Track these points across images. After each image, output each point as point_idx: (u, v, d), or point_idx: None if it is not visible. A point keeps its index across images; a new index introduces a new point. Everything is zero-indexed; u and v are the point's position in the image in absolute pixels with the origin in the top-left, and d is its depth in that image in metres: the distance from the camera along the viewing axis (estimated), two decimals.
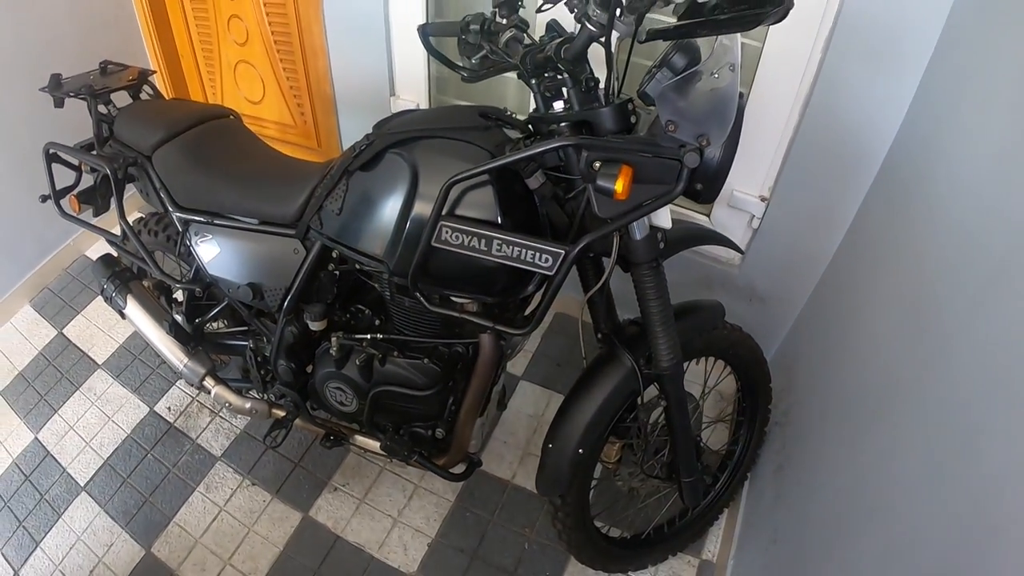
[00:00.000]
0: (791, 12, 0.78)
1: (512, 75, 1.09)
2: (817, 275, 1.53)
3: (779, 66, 1.35)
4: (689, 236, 1.20)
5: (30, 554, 1.54)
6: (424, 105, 1.84)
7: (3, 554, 1.55)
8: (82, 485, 1.65)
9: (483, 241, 0.93)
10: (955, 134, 1.05)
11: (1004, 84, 0.92)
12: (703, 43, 0.91)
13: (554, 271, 0.92)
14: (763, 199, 1.53)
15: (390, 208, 1.03)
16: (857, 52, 1.24)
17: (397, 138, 1.03)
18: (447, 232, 0.94)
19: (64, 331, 2.02)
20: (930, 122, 1.16)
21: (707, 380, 1.41)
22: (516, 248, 0.92)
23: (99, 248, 2.29)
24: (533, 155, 0.89)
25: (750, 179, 1.52)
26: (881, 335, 1.12)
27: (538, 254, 0.92)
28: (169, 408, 1.80)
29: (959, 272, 0.88)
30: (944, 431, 0.78)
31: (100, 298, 2.07)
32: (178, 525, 1.56)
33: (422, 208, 0.99)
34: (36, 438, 1.76)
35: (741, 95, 0.93)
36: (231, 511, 1.58)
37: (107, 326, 2.02)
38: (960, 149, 1.01)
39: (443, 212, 0.93)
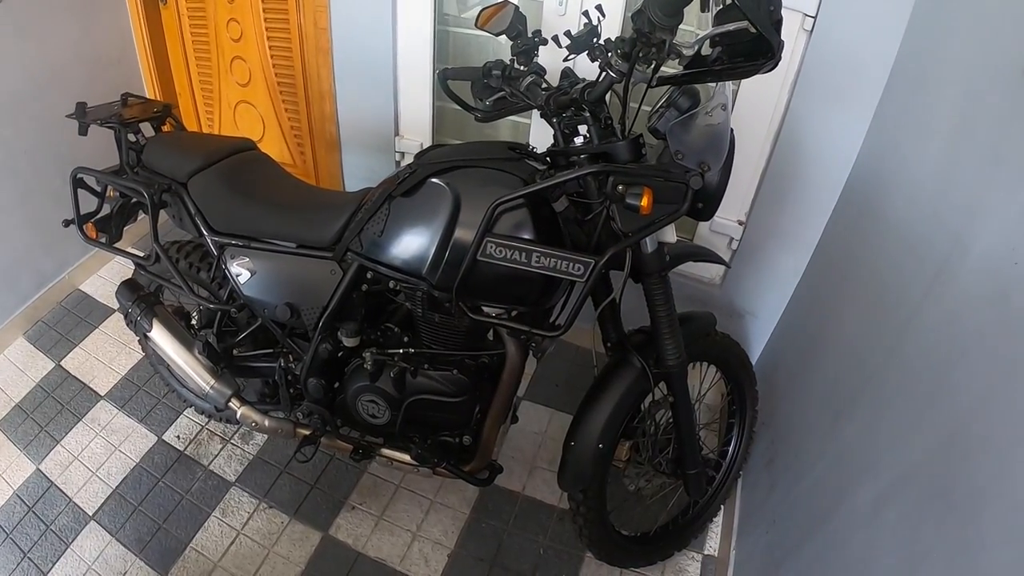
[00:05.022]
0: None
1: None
2: (790, 289, 1.72)
3: (753, 106, 1.56)
4: (686, 252, 1.37)
5: None
6: (427, 143, 1.98)
7: None
8: (90, 514, 1.63)
9: (524, 254, 1.05)
10: (902, 159, 1.26)
11: (940, 116, 1.13)
12: (701, 87, 1.09)
13: (585, 278, 1.05)
14: (740, 223, 1.73)
15: (433, 229, 1.14)
16: (819, 93, 1.46)
17: (439, 167, 1.15)
18: (492, 247, 1.06)
19: (62, 363, 2.00)
20: (882, 150, 1.38)
21: (700, 386, 1.56)
22: (552, 259, 1.05)
23: (93, 283, 2.30)
24: (570, 179, 1.04)
25: (729, 205, 1.71)
26: (851, 333, 1.30)
27: (572, 264, 1.05)
28: (178, 436, 1.81)
29: (910, 271, 1.07)
30: (913, 393, 0.94)
31: (98, 331, 2.12)
32: (195, 550, 1.57)
33: (465, 228, 1.11)
34: (38, 469, 1.73)
35: (732, 130, 1.12)
36: (249, 534, 1.60)
37: (108, 358, 2.02)
38: (906, 171, 1.22)
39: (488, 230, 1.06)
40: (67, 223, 1.50)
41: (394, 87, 1.92)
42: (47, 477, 1.71)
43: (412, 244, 1.17)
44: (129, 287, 1.51)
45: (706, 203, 1.11)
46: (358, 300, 1.31)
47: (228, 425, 1.84)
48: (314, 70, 2.01)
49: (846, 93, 1.44)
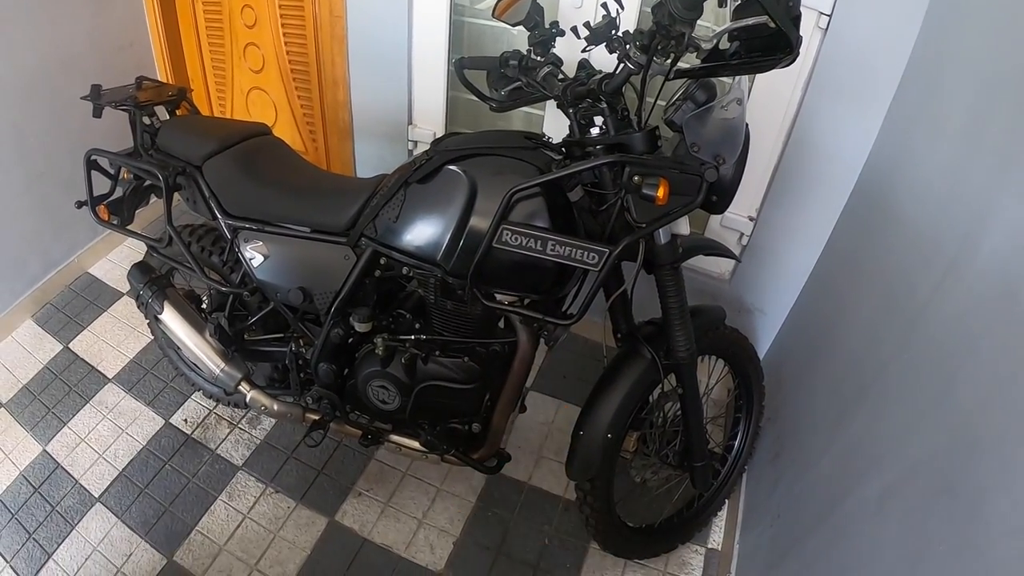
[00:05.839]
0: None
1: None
2: (799, 286, 1.73)
3: (766, 102, 1.57)
4: (698, 245, 1.38)
5: (41, 566, 1.51)
6: (440, 132, 1.99)
7: (12, 567, 1.52)
8: (96, 496, 1.64)
9: (540, 242, 1.06)
10: (913, 158, 1.27)
11: (951, 116, 1.14)
12: (717, 81, 1.10)
13: (599, 267, 1.06)
14: (751, 219, 1.73)
15: (448, 216, 1.15)
16: (832, 91, 1.47)
17: (456, 154, 1.16)
18: (508, 234, 1.06)
19: (70, 345, 2.01)
20: (893, 149, 1.39)
21: (708, 380, 1.57)
22: (567, 248, 1.06)
23: (102, 266, 2.30)
24: (587, 168, 1.05)
25: (740, 200, 1.69)
26: (859, 330, 1.30)
27: (586, 252, 1.06)
28: (186, 420, 1.82)
29: (919, 269, 1.08)
30: (919, 390, 0.95)
31: (107, 314, 2.12)
32: (201, 533, 1.58)
33: (481, 215, 1.12)
34: (45, 450, 1.74)
35: (747, 124, 1.12)
36: (255, 518, 1.61)
37: (116, 341, 2.03)
38: (917, 170, 1.23)
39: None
40: (80, 204, 1.50)
41: (408, 76, 1.92)
42: (54, 458, 1.72)
43: (427, 230, 1.18)
44: (141, 269, 1.52)
45: (720, 196, 1.12)
46: (371, 285, 1.32)
47: (236, 409, 1.85)
48: (328, 58, 2.01)
49: (859, 92, 1.45)
